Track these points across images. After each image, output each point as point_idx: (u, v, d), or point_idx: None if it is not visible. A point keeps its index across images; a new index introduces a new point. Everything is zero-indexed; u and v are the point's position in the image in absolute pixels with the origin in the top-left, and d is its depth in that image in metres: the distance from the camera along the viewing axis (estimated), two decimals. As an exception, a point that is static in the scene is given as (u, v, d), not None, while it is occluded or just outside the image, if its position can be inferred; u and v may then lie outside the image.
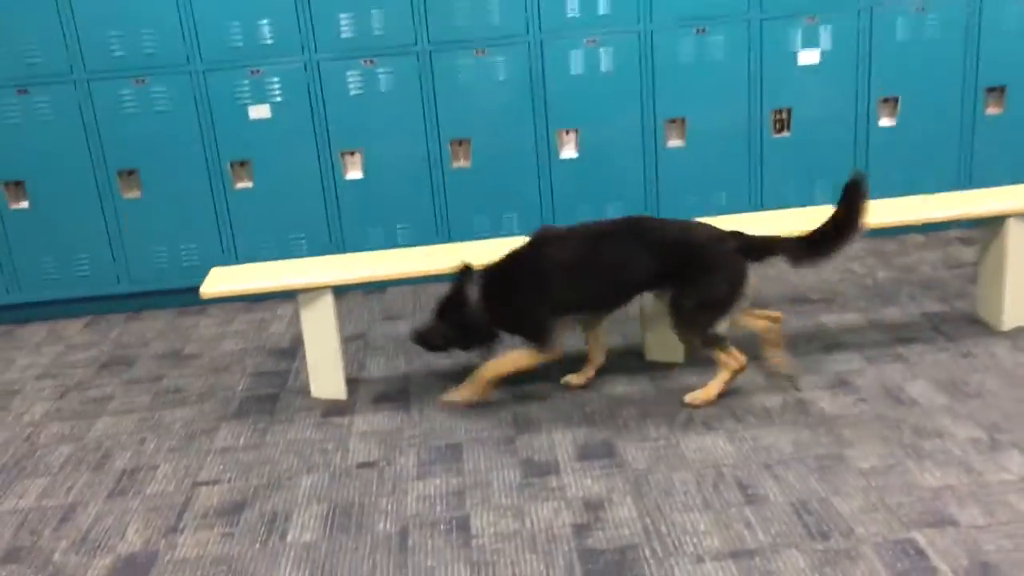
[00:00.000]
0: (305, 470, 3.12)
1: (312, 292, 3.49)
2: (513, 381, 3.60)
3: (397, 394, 3.64)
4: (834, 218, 3.14)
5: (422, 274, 3.57)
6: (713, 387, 3.33)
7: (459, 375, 3.65)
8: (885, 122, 4.86)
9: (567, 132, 4.80)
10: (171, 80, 4.57)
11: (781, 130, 4.84)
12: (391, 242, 4.80)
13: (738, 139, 4.84)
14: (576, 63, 4.68)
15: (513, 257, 3.35)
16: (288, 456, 3.22)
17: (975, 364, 3.46)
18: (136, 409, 3.71)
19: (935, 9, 4.72)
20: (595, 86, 4.72)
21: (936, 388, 3.30)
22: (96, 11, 4.47)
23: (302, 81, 4.63)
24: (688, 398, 3.34)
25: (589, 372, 3.56)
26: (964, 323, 3.84)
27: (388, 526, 2.75)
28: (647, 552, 2.52)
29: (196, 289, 3.57)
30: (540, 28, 4.61)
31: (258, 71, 4.60)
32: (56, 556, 2.74)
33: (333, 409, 3.55)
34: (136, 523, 2.88)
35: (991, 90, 4.86)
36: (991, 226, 3.70)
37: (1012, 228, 3.61)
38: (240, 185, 4.76)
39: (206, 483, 3.09)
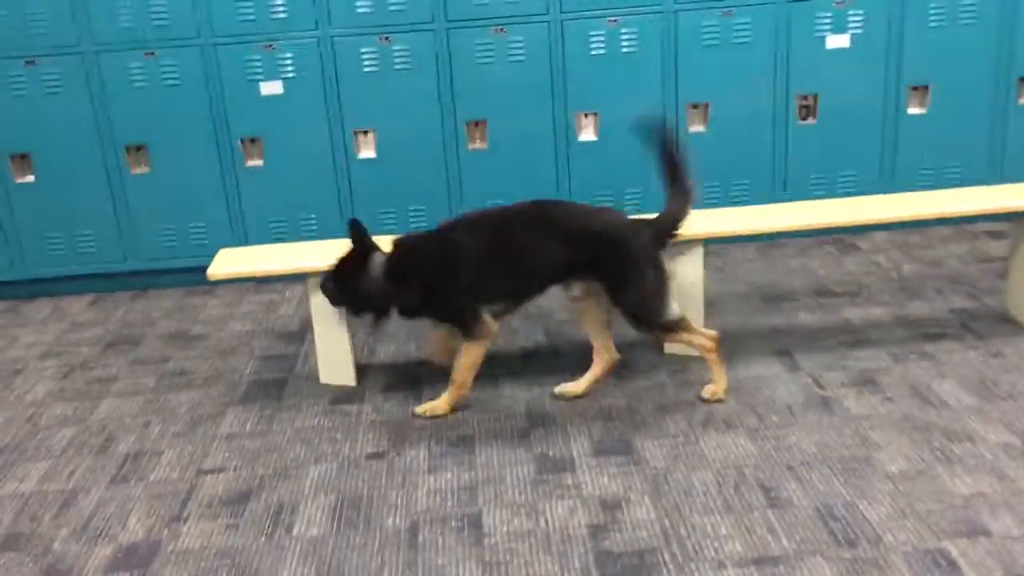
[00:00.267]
0: (313, 460, 3.03)
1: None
2: (524, 373, 3.51)
3: (408, 382, 3.54)
4: (666, 166, 3.12)
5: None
6: (716, 373, 3.23)
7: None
8: (915, 110, 4.71)
9: (586, 115, 4.67)
10: (181, 54, 4.46)
11: (807, 117, 4.70)
12: (403, 224, 4.69)
13: (762, 125, 4.70)
14: (597, 44, 4.55)
15: (423, 241, 3.20)
16: (295, 444, 3.14)
17: (1006, 364, 3.34)
18: (141, 391, 3.63)
19: (970, -5, 4.58)
20: (616, 68, 4.58)
21: (966, 389, 3.19)
22: (105, -19, 4.36)
23: (315, 57, 4.50)
24: (706, 393, 3.24)
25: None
26: (994, 321, 3.72)
27: (398, 521, 2.66)
28: (666, 556, 2.43)
29: (204, 268, 3.48)
30: (561, 7, 4.48)
31: (271, 46, 4.48)
32: (56, 544, 2.66)
33: (342, 396, 3.46)
34: (138, 511, 2.80)
35: (1025, 80, 4.72)
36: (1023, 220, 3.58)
37: (1048, 224, 3.49)
38: (251, 163, 4.65)
39: (211, 471, 3.01)
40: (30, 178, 4.60)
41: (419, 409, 3.27)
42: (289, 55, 4.49)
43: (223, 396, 3.53)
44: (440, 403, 3.27)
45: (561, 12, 4.48)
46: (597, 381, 3.35)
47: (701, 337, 3.20)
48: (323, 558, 2.52)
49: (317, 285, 3.29)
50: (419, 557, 2.50)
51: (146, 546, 2.63)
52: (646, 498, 2.69)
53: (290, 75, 4.52)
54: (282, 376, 3.68)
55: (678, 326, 3.16)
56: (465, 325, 3.17)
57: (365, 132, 4.65)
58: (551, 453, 2.98)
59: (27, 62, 4.42)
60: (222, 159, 4.62)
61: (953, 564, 2.32)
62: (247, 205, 4.70)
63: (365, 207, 4.70)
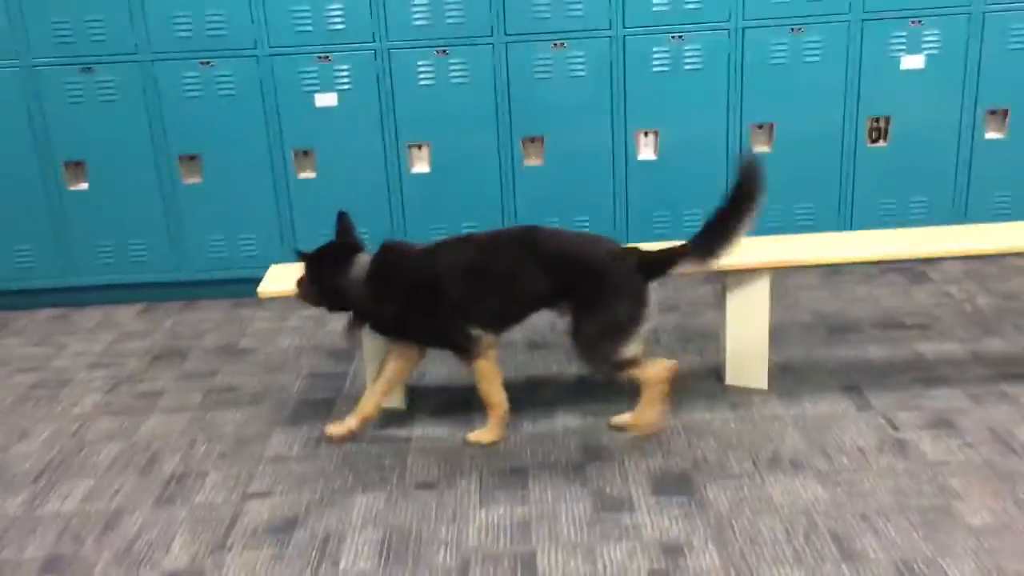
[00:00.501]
0: (360, 488, 2.93)
1: (375, 296, 3.29)
2: (580, 401, 3.38)
3: (459, 405, 3.43)
4: (721, 211, 2.89)
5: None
6: (649, 406, 3.02)
7: (523, 387, 3.46)
8: (992, 135, 4.51)
9: (646, 133, 4.54)
10: (237, 64, 4.41)
11: (877, 140, 4.53)
12: (456, 241, 4.59)
13: (829, 147, 4.53)
14: (660, 60, 4.42)
15: (411, 252, 3.06)
16: (343, 470, 3.04)
17: (1094, 410, 3.15)
18: (187, 407, 3.56)
19: (1053, 16, 4.37)
20: (678, 85, 4.45)
21: (1051, 436, 3.00)
22: (164, -11, 4.33)
23: (371, 69, 4.43)
24: (635, 428, 3.07)
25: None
26: (1078, 361, 3.52)
27: (448, 559, 2.55)
28: (733, 611, 2.29)
29: (253, 280, 3.42)
30: (624, 22, 4.36)
31: (327, 57, 4.41)
32: (98, 569, 2.59)
33: (391, 419, 3.36)
34: (182, 536, 2.72)
35: (1109, 106, 4.50)
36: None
37: None
38: (303, 175, 4.59)
39: (256, 495, 2.92)
40: (84, 185, 4.58)
41: (471, 437, 3.16)
42: (345, 67, 4.42)
43: (270, 415, 3.45)
44: (488, 431, 3.15)
45: (624, 27, 4.36)
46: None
47: (655, 368, 2.98)
48: (370, 596, 2.42)
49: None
50: (470, 599, 2.39)
51: (189, 575, 2.54)
52: (710, 544, 2.54)
53: (345, 87, 4.45)
54: (330, 396, 3.59)
55: (628, 364, 2.96)
56: (457, 347, 3.06)
57: (419, 146, 4.56)
58: (608, 490, 2.84)
59: (83, 69, 4.40)
60: (274, 171, 4.56)
61: (1047, 634, 2.15)
62: (298, 218, 4.64)
63: (417, 222, 4.61)
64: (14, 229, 4.62)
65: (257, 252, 4.63)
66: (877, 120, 4.50)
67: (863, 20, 4.35)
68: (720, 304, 3.45)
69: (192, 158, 4.55)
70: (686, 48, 4.40)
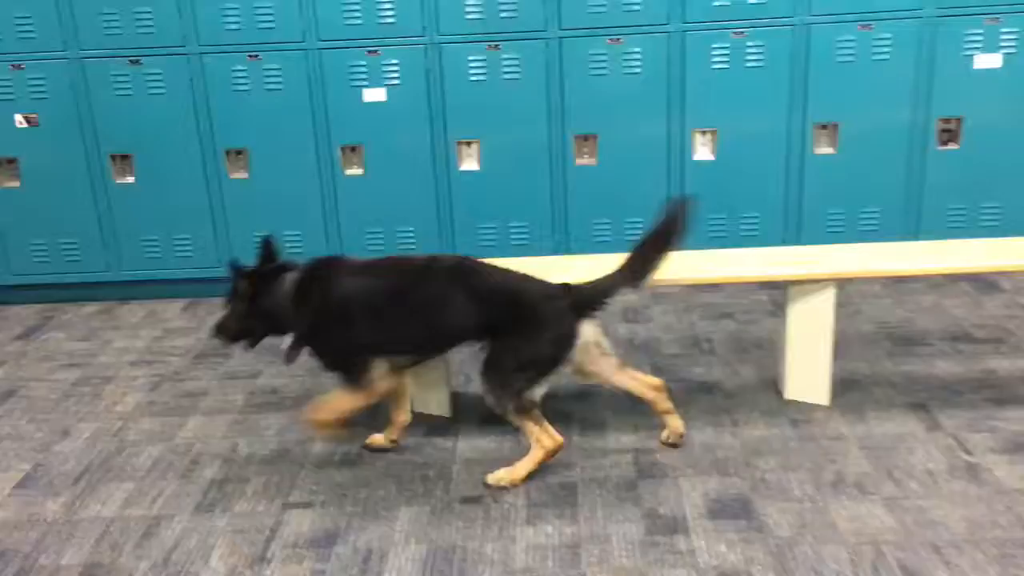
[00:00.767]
0: (404, 500, 2.83)
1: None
2: (632, 414, 3.24)
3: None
4: (646, 242, 2.84)
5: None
6: (521, 467, 2.87)
7: (574, 396, 3.33)
8: (1073, 139, 4.29)
9: (703, 132, 4.38)
10: (285, 57, 4.33)
11: (947, 142, 4.31)
12: (504, 241, 4.49)
13: (897, 149, 4.33)
14: (720, 57, 4.25)
15: (333, 273, 2.93)
16: (386, 481, 2.94)
17: None
18: (229, 409, 3.49)
19: None
20: (739, 83, 4.28)
21: None
22: (213, -19, 4.27)
23: (421, 64, 4.32)
24: (490, 478, 2.88)
25: (392, 434, 3.13)
26: None
27: (494, 581, 2.45)
28: (797, 650, 2.15)
29: (298, 279, 3.33)
30: (683, 17, 4.20)
31: (376, 51, 4.31)
32: (134, 579, 2.53)
33: (436, 428, 3.26)
34: (222, 547, 2.65)
35: None
36: None
37: None
38: (350, 171, 4.50)
39: (297, 505, 2.84)
40: (130, 179, 4.54)
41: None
42: (395, 61, 4.32)
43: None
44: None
45: (683, 22, 4.20)
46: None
47: (547, 438, 2.85)
48: (413, 619, 2.32)
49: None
50: (517, 626, 2.28)
51: (227, 589, 2.47)
52: (770, 574, 2.40)
53: (394, 82, 4.35)
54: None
55: (529, 411, 2.82)
56: (350, 375, 2.92)
57: (468, 143, 4.45)
58: (661, 510, 2.71)
59: (132, 61, 4.35)
60: (321, 167, 4.49)
61: None
62: (344, 214, 4.56)
63: (465, 221, 4.51)
64: (61, 222, 4.60)
65: (303, 249, 4.54)
66: (948, 121, 4.29)
67: (937, 17, 4.13)
68: (778, 312, 3.29)
69: (239, 152, 4.49)
70: (748, 45, 4.22)
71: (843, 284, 3.31)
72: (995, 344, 3.71)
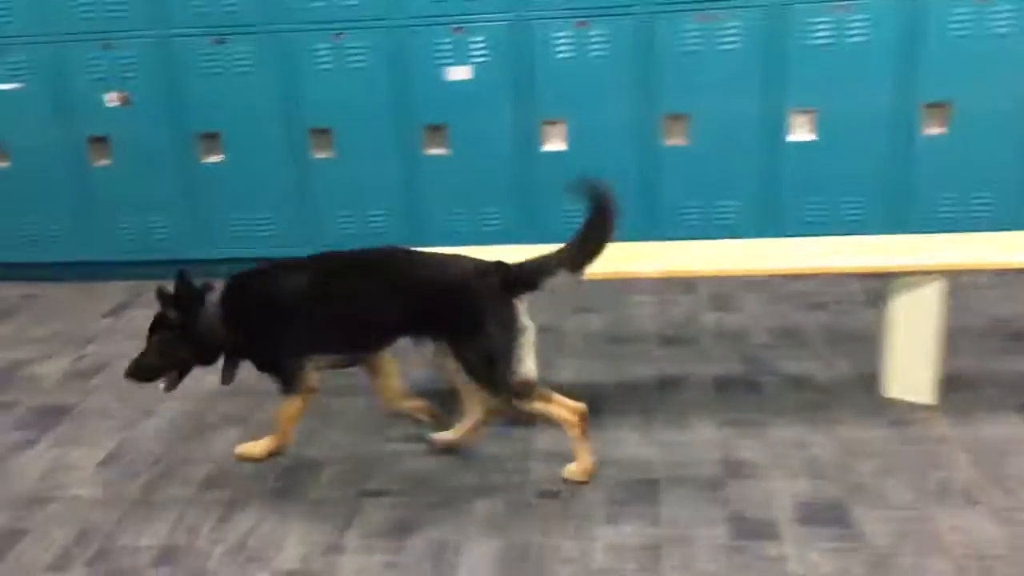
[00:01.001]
0: (480, 492, 2.76)
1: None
2: (718, 408, 3.10)
3: (587, 405, 3.21)
4: (584, 232, 2.71)
5: (629, 275, 3.12)
6: (579, 453, 2.77)
7: (656, 387, 3.20)
8: None
9: (802, 111, 4.16)
10: (370, 35, 4.28)
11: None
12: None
13: (1014, 131, 4.04)
14: (822, 31, 4.02)
15: (253, 281, 2.89)
16: (461, 472, 2.88)
17: None
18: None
19: None
20: (841, 59, 4.05)
21: None
22: (299, -42, 4.23)
23: (507, 41, 4.22)
24: (566, 471, 2.79)
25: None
26: None
27: (570, 581, 2.35)
28: (895, 674, 2.00)
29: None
30: (782, -11, 3.99)
31: (461, 28, 4.22)
32: (211, 563, 2.52)
33: (516, 417, 3.16)
34: (296, 534, 2.62)
35: None
36: None
37: None
38: (433, 151, 4.43)
39: (373, 494, 2.79)
40: (218, 158, 4.57)
41: (237, 450, 3.02)
42: (480, 38, 4.23)
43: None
44: (259, 445, 3.01)
45: (782, -5, 3.99)
46: (474, 431, 2.99)
47: (562, 409, 2.72)
48: (485, 619, 2.25)
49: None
50: (593, 632, 2.18)
51: (300, 577, 2.44)
52: (867, 588, 2.25)
53: (480, 60, 4.26)
54: (452, 387, 3.43)
55: (530, 391, 2.69)
56: (283, 377, 2.89)
57: (554, 123, 4.33)
58: (748, 513, 2.57)
59: (216, 40, 4.36)
60: (404, 146, 4.43)
61: None
62: (426, 195, 4.50)
63: (549, 204, 4.39)
64: (149, 200, 4.66)
65: (385, 229, 4.52)
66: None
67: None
68: (877, 304, 3.09)
69: (324, 132, 4.47)
70: (852, 19, 3.98)
71: (953, 276, 3.09)
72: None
